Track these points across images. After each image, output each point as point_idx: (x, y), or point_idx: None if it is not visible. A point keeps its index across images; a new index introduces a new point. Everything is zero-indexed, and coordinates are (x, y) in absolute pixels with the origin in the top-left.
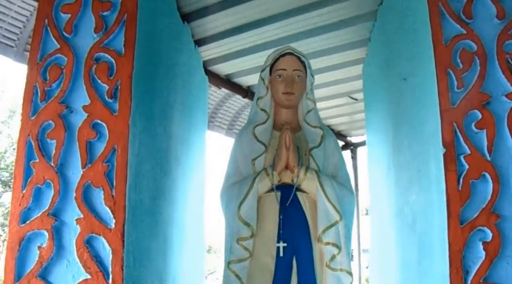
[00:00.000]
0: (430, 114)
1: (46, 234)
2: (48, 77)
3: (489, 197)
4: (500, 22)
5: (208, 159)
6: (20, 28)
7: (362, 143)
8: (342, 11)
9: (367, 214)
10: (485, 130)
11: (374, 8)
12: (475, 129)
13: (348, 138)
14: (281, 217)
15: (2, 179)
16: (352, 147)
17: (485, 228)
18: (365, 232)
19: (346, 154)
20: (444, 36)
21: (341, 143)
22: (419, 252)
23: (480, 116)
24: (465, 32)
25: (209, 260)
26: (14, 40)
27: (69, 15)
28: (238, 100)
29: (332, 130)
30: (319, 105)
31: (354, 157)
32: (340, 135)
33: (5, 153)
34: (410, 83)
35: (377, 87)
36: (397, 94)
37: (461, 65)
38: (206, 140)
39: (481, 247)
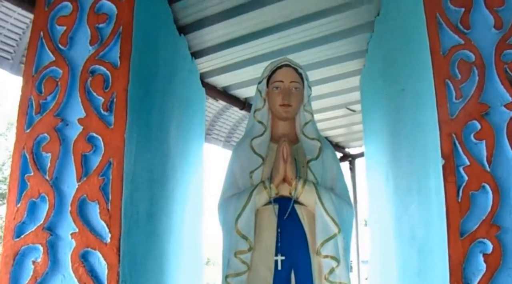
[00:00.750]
0: (429, 125)
1: (41, 248)
2: (43, 90)
3: (489, 209)
4: (498, 32)
5: (206, 172)
6: (16, 40)
7: (361, 155)
8: (339, 23)
9: (366, 225)
10: (484, 141)
11: (371, 19)
12: (474, 140)
13: (346, 150)
14: (279, 230)
15: (0, 191)
16: (350, 159)
17: (486, 240)
18: (364, 243)
19: (344, 165)
20: (442, 46)
21: (339, 154)
22: (419, 264)
23: (479, 126)
24: (463, 42)
25: (208, 272)
26: (10, 52)
27: (65, 27)
28: (236, 112)
29: (330, 141)
30: (317, 116)
31: (352, 169)
32: (338, 146)
33: (3, 165)
34: (408, 94)
35: (374, 98)
36: (395, 105)
37: (459, 76)
38: (203, 152)
39: (481, 259)
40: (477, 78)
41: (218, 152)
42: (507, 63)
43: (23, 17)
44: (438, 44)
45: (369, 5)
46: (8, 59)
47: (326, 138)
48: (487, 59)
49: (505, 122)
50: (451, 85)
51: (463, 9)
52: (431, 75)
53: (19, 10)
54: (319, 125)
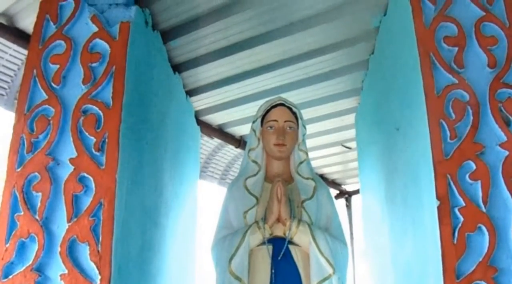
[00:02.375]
0: (423, 165)
1: None
2: (35, 128)
3: (485, 250)
4: (492, 70)
5: (201, 209)
6: (11, 76)
7: (357, 191)
8: (334, 61)
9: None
10: (479, 181)
11: (365, 58)
12: (469, 180)
13: (343, 187)
14: (273, 271)
15: None
16: (346, 195)
17: (483, 283)
18: (360, 278)
19: (341, 202)
20: (436, 85)
21: (335, 191)
22: None
23: (474, 167)
24: (457, 81)
25: None
26: (4, 88)
27: (58, 66)
28: (231, 150)
29: (326, 179)
30: (313, 154)
31: (348, 205)
32: (334, 183)
33: None
34: (402, 133)
35: (369, 137)
36: (390, 143)
37: (453, 115)
38: (197, 191)
39: None
40: (471, 117)
41: (214, 189)
42: (502, 102)
43: (18, 54)
44: (432, 84)
45: (364, 44)
46: (2, 95)
47: (322, 175)
48: (482, 98)
49: (500, 161)
50: (445, 125)
51: (456, 48)
52: (425, 115)
53: (15, 46)
54: (315, 163)
